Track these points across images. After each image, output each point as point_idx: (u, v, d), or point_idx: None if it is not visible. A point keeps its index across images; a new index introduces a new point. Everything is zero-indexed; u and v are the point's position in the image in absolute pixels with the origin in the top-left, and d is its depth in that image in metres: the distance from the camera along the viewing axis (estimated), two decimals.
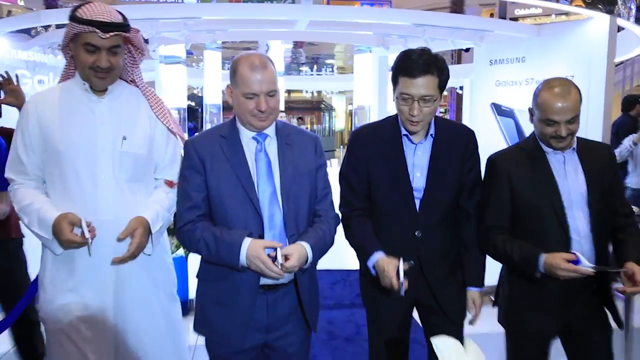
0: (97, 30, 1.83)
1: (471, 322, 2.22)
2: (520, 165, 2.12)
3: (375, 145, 2.13)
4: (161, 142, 2.08)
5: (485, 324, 2.22)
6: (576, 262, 1.90)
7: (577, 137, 2.12)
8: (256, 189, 1.90)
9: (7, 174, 1.99)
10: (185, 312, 4.24)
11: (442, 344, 1.37)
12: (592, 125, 4.61)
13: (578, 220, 2.05)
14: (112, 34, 1.86)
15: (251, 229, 1.87)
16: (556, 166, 2.10)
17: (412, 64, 1.94)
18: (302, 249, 1.84)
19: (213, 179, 1.90)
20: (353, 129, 2.23)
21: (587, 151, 2.12)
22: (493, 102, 5.17)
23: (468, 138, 2.17)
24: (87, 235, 1.81)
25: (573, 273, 1.89)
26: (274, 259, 1.79)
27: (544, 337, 2.18)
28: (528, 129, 5.11)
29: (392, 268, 1.91)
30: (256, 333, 1.94)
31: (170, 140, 2.11)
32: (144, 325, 2.04)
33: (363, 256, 2.07)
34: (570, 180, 2.08)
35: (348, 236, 2.16)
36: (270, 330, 1.96)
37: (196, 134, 2.20)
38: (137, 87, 2.10)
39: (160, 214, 2.01)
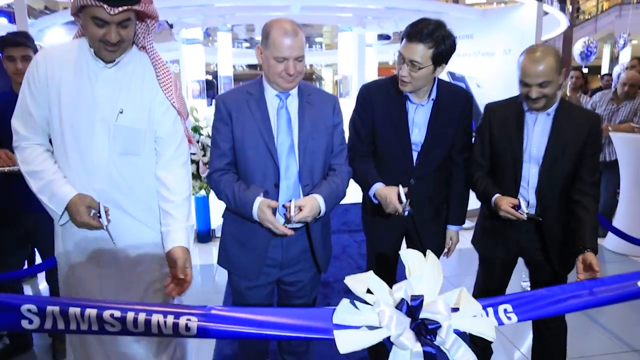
0: (105, 5, 1.41)
1: (446, 255, 2.16)
2: (502, 117, 1.99)
3: (381, 100, 1.97)
4: (159, 116, 1.63)
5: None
6: (518, 207, 1.84)
7: (567, 103, 1.95)
8: (275, 141, 1.72)
9: (15, 124, 1.58)
10: (208, 239, 4.45)
11: (407, 254, 1.37)
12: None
13: (531, 173, 1.94)
14: (121, 9, 1.43)
15: (268, 177, 1.73)
16: (529, 124, 1.94)
17: (412, 30, 1.77)
18: (314, 201, 1.69)
19: (238, 131, 1.73)
20: (360, 86, 2.10)
21: (568, 118, 1.90)
22: (449, 70, 5.15)
23: (466, 102, 2.00)
24: (106, 222, 1.53)
25: (510, 215, 1.84)
26: (288, 209, 1.65)
27: (502, 259, 2.11)
28: (476, 92, 5.17)
29: (393, 194, 1.81)
30: (272, 269, 1.81)
31: (169, 114, 1.65)
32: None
33: (365, 188, 1.96)
34: (535, 139, 1.92)
35: (353, 175, 1.95)
36: (284, 266, 1.82)
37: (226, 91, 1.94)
38: (147, 54, 1.66)
39: (188, 231, 1.66)
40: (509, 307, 1.40)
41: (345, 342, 1.25)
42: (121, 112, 1.57)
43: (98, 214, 1.53)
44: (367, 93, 2.01)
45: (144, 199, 1.65)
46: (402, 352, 1.25)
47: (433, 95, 1.94)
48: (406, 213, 1.81)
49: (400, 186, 1.80)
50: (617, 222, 4.24)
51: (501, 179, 1.99)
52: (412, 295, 1.28)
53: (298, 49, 1.65)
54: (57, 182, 1.54)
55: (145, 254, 1.67)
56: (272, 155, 1.72)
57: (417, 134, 1.96)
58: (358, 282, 1.33)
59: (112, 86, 1.57)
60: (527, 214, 1.85)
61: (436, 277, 1.35)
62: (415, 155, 1.98)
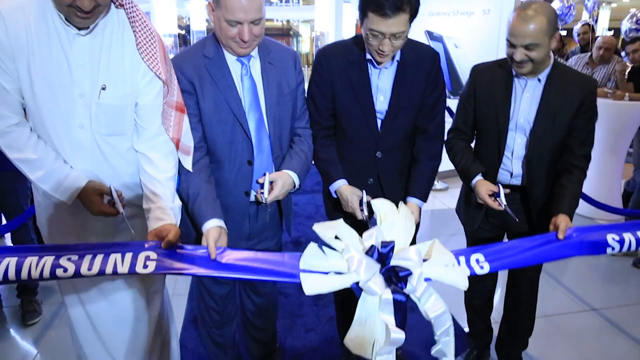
0: None
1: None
2: (489, 81, 1.83)
3: (341, 66, 1.74)
4: (142, 87, 1.43)
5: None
6: (497, 194, 1.77)
7: (560, 67, 1.77)
8: (245, 114, 1.57)
9: None
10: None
11: (379, 203, 1.34)
12: (502, 54, 4.56)
13: (516, 143, 1.81)
14: None
15: (241, 154, 1.60)
16: (517, 90, 1.78)
17: (388, 2, 1.49)
18: (287, 177, 1.59)
19: (204, 104, 1.55)
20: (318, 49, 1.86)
21: (562, 83, 1.73)
22: (426, 30, 5.03)
23: (433, 61, 1.76)
24: (122, 210, 1.39)
25: (488, 204, 1.78)
26: (262, 185, 1.56)
27: (488, 237, 2.02)
28: (454, 53, 5.11)
29: (355, 199, 1.72)
30: (240, 242, 1.72)
31: (153, 85, 1.45)
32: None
33: (326, 181, 1.82)
34: (523, 106, 1.77)
35: (314, 158, 1.82)
36: (251, 237, 1.76)
37: (178, 53, 1.70)
38: (125, 10, 1.40)
39: (175, 212, 1.46)
40: (480, 256, 1.41)
41: (312, 285, 1.23)
42: (103, 89, 1.37)
43: (112, 200, 1.39)
44: (324, 58, 1.76)
45: (131, 181, 1.53)
46: (370, 299, 1.23)
47: (397, 57, 1.72)
48: (364, 219, 1.69)
49: (364, 193, 1.69)
50: (587, 187, 4.31)
51: (484, 148, 1.90)
52: (382, 242, 1.26)
53: (254, 11, 1.42)
54: (61, 171, 1.39)
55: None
56: (244, 129, 1.58)
57: (382, 101, 1.76)
58: (327, 229, 1.30)
59: (89, 57, 1.35)
60: (505, 205, 1.74)
61: (408, 228, 1.34)
62: (379, 125, 1.79)
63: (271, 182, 1.58)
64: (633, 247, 1.50)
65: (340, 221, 1.31)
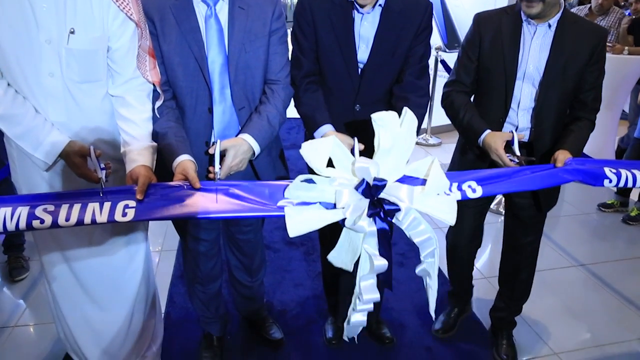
0: None
1: None
2: (496, 29, 1.72)
3: (324, 10, 1.63)
4: (114, 29, 1.36)
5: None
6: (511, 142, 1.62)
7: (571, 14, 1.69)
8: (206, 58, 1.48)
9: None
10: None
11: (379, 117, 1.25)
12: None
13: (523, 93, 1.72)
14: None
15: (201, 100, 1.52)
16: (526, 37, 1.69)
17: None
18: (241, 144, 1.45)
19: (165, 46, 1.47)
20: None
21: (573, 31, 1.65)
22: None
23: (425, 11, 1.62)
24: (101, 176, 1.27)
25: (502, 162, 1.63)
26: (213, 155, 1.38)
27: (477, 206, 1.94)
28: (450, 4, 4.91)
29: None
30: None
31: (126, 27, 1.37)
32: None
33: (311, 126, 1.66)
34: (533, 54, 1.68)
35: (297, 105, 1.70)
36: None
37: None
38: None
39: (150, 152, 1.42)
40: (473, 183, 1.39)
41: (296, 224, 1.19)
42: (72, 33, 1.30)
43: (100, 166, 1.29)
44: (308, 2, 1.65)
45: (108, 131, 1.47)
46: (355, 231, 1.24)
47: (381, 1, 1.59)
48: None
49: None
50: None
51: (487, 101, 1.79)
52: (375, 178, 1.23)
53: None
54: (41, 129, 1.34)
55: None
56: (203, 74, 1.49)
57: (364, 50, 1.64)
58: (316, 151, 1.22)
59: None
60: (518, 156, 1.61)
61: (408, 144, 1.28)
62: (360, 75, 1.68)
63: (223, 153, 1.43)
64: (630, 184, 1.51)
65: (333, 138, 1.24)
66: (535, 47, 1.69)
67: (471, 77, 1.80)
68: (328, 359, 2.06)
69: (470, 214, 1.97)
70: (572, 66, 1.66)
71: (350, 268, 1.30)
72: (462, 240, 2.05)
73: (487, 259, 2.90)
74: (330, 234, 1.89)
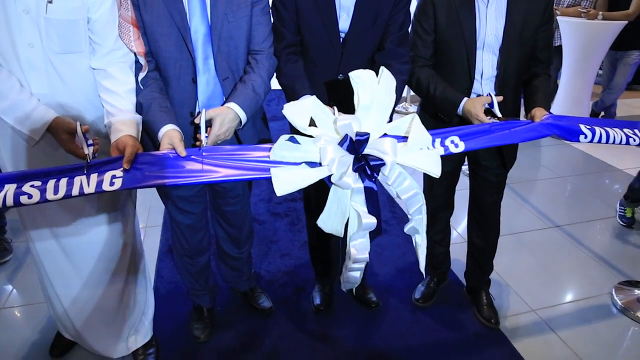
0: None
1: None
2: (449, 1, 1.73)
3: None
4: (94, 1, 1.35)
5: None
6: (491, 105, 1.66)
7: None
8: (189, 27, 1.47)
9: None
10: None
11: (356, 75, 1.26)
12: None
13: (485, 62, 1.75)
14: None
15: (184, 70, 1.51)
16: (480, 7, 1.71)
17: None
18: (227, 112, 1.45)
19: (146, 15, 1.44)
20: None
21: None
22: None
23: None
24: (87, 152, 1.26)
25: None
26: (199, 125, 1.39)
27: (448, 170, 1.94)
28: None
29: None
30: None
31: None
32: None
33: (291, 96, 1.61)
34: (489, 23, 1.70)
35: (278, 76, 1.67)
36: None
37: None
38: None
39: (135, 123, 1.41)
40: (456, 138, 1.42)
41: (283, 182, 1.21)
42: (50, 2, 1.28)
43: (87, 143, 1.28)
44: None
45: (92, 101, 1.46)
46: (342, 190, 1.25)
47: None
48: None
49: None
50: (555, 107, 4.37)
51: (451, 72, 1.79)
52: (357, 132, 1.24)
53: None
54: (27, 104, 1.33)
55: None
56: (186, 44, 1.47)
57: (345, 19, 1.64)
58: (298, 111, 1.23)
59: None
60: (499, 117, 1.65)
61: (388, 101, 1.29)
62: (342, 45, 1.68)
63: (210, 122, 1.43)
64: (603, 140, 1.63)
65: (313, 98, 1.25)
66: (491, 15, 1.71)
67: (430, 49, 1.80)
68: (317, 325, 2.12)
69: (442, 179, 2.01)
70: (528, 28, 1.72)
71: (341, 233, 1.31)
72: (437, 207, 2.09)
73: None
74: (316, 201, 1.94)
